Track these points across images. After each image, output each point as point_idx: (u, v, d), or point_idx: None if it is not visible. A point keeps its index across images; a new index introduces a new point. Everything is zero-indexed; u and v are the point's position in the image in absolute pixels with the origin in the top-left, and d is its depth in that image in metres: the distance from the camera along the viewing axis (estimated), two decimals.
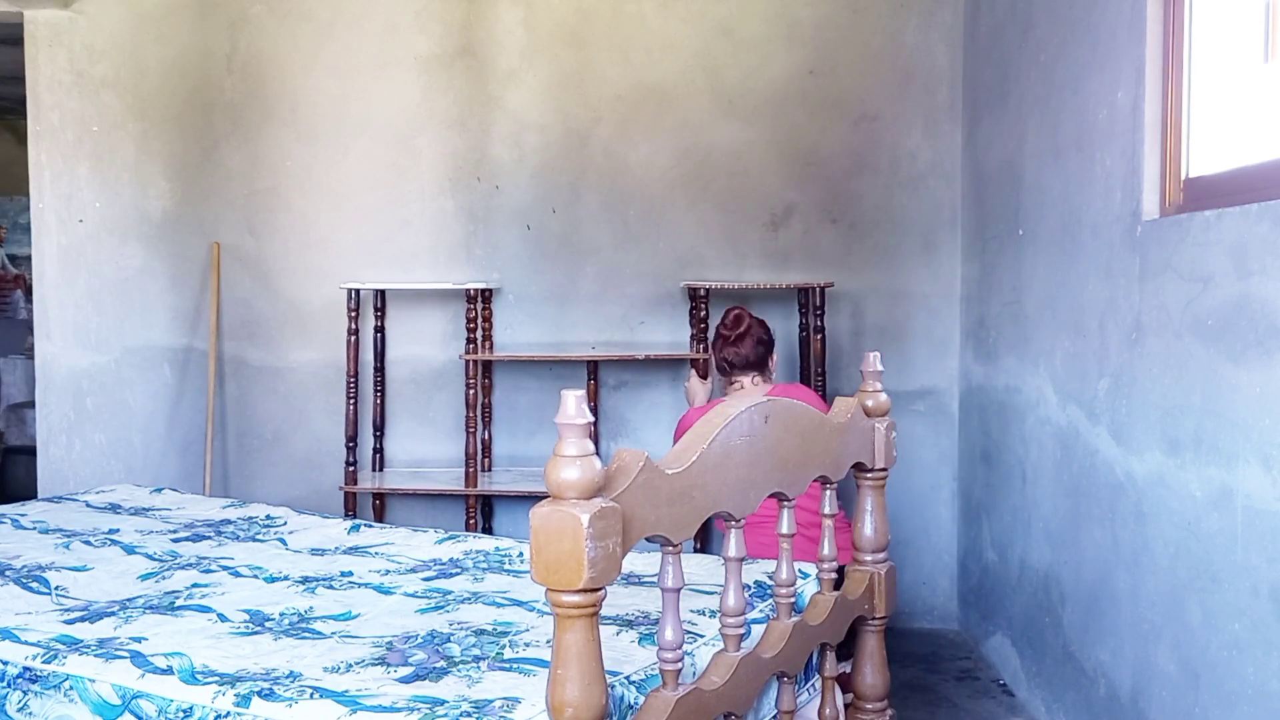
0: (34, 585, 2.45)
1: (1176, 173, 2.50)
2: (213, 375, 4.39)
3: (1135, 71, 2.60)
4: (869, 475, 2.36)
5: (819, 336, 4.04)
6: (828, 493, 2.23)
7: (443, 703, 1.73)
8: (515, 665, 1.91)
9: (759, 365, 3.26)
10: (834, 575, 2.25)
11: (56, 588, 2.44)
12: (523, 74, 4.33)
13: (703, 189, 4.31)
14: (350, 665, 1.93)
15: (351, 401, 4.16)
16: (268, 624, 2.18)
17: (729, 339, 3.25)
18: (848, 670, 2.48)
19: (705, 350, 4.07)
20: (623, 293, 4.34)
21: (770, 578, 2.23)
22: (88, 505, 3.32)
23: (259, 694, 1.78)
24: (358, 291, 4.15)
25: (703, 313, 4.06)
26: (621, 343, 4.31)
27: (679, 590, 1.66)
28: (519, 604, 2.30)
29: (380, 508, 4.25)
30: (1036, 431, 3.32)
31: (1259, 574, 2.03)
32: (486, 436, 4.32)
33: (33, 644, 2.04)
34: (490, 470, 4.31)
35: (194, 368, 4.46)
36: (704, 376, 3.69)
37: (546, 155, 4.34)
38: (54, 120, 4.44)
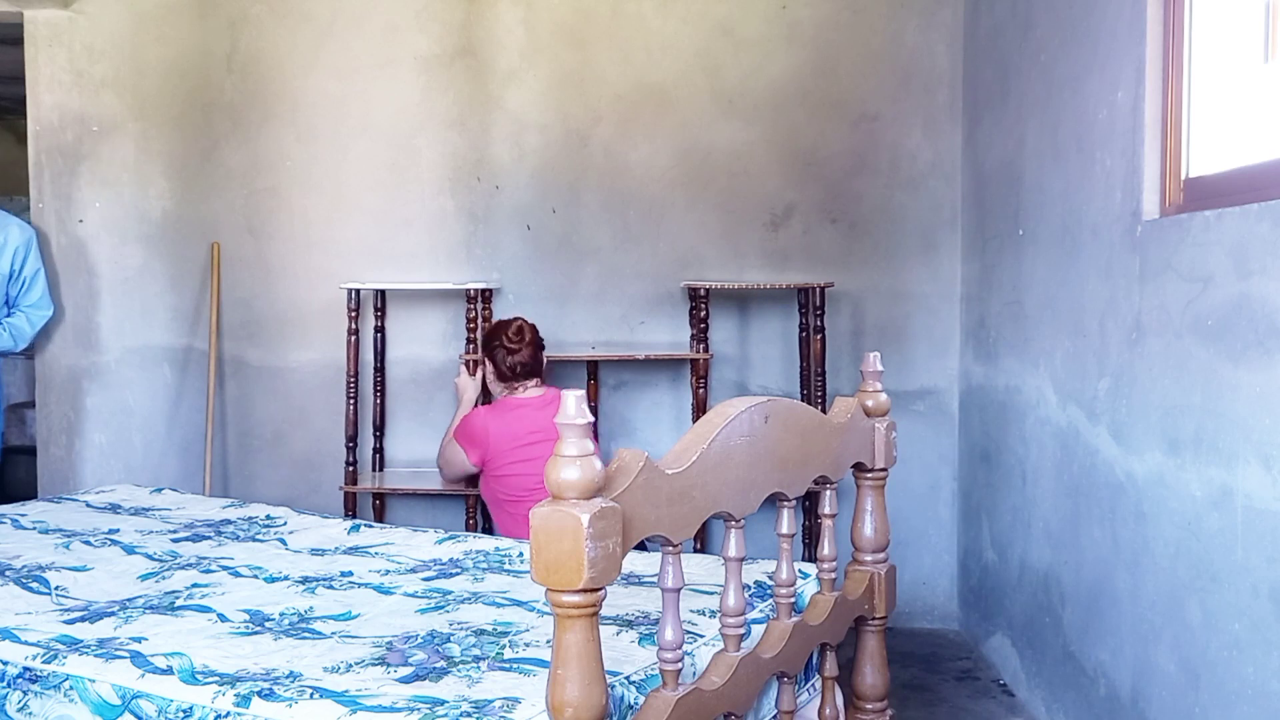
0: (34, 585, 2.45)
1: (1176, 173, 2.50)
2: (213, 375, 4.39)
3: (1135, 71, 2.60)
4: (869, 475, 2.36)
5: (819, 336, 4.04)
6: (828, 493, 2.23)
7: (443, 703, 1.73)
8: (515, 665, 1.91)
9: (540, 370, 3.67)
10: (832, 576, 2.25)
11: (56, 588, 2.44)
12: (523, 74, 4.33)
13: (703, 189, 4.31)
14: (350, 665, 1.93)
15: (351, 401, 4.15)
16: (268, 624, 2.18)
17: (514, 350, 3.61)
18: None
19: (706, 350, 4.07)
20: (623, 293, 4.34)
21: (770, 578, 2.23)
22: (88, 505, 3.31)
23: (259, 694, 1.78)
24: (358, 291, 4.15)
25: (703, 313, 4.06)
26: (621, 343, 4.31)
27: (679, 590, 1.66)
28: (519, 604, 2.30)
29: (380, 508, 4.25)
30: (1036, 431, 3.32)
31: (1259, 574, 2.03)
32: None
33: (33, 644, 2.04)
34: None
35: (194, 368, 4.46)
36: (473, 374, 3.94)
37: (546, 155, 4.34)
38: (54, 120, 4.44)
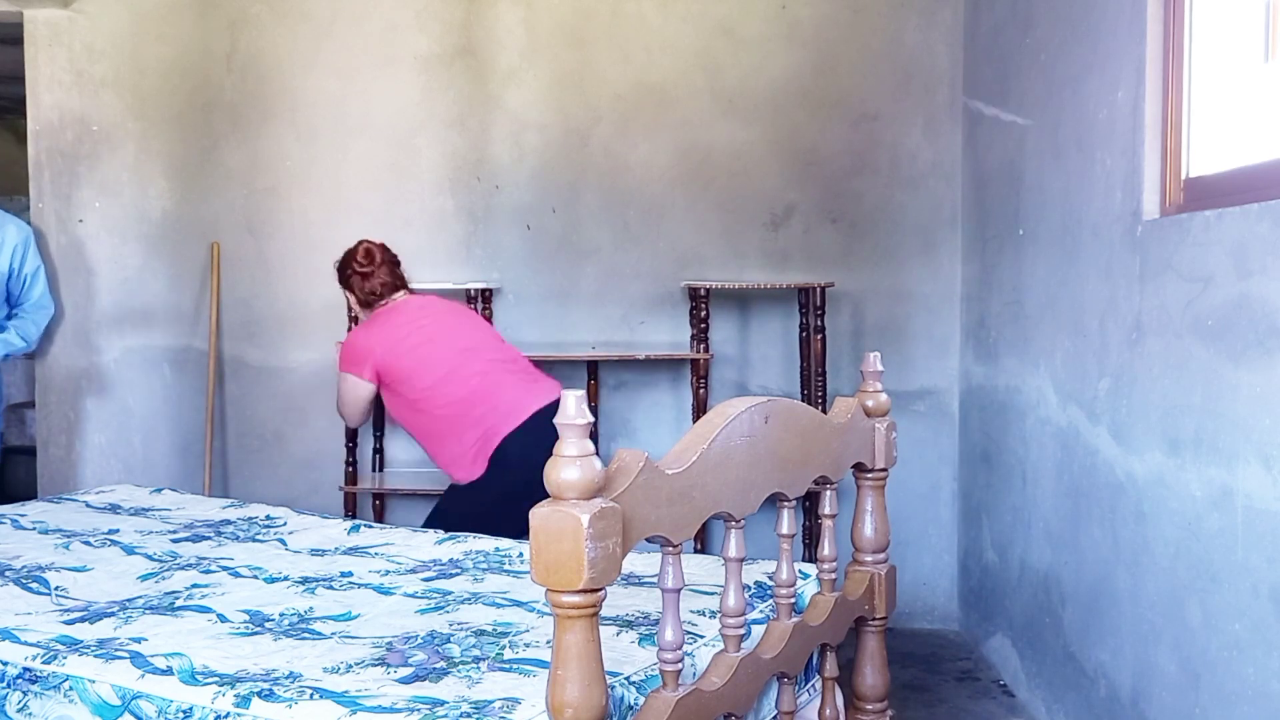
0: (34, 585, 2.45)
1: (1177, 172, 2.50)
2: (212, 375, 4.39)
3: (1135, 71, 2.60)
4: (869, 475, 2.36)
5: (819, 336, 4.03)
6: (828, 493, 2.23)
7: (443, 703, 1.73)
8: (515, 666, 1.91)
9: (402, 284, 3.62)
10: (832, 577, 2.24)
11: (56, 588, 2.44)
12: (523, 74, 4.33)
13: (703, 189, 4.31)
14: (350, 666, 1.93)
15: None
16: (268, 624, 2.18)
17: (367, 273, 3.55)
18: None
19: (706, 350, 4.07)
20: (623, 293, 4.34)
21: (770, 578, 2.22)
22: (87, 505, 3.31)
23: (259, 694, 1.77)
24: None
25: (703, 313, 4.06)
26: (621, 343, 4.31)
27: (679, 591, 1.66)
28: (519, 604, 2.30)
29: (380, 508, 4.25)
30: (1036, 431, 3.32)
31: (1259, 574, 2.03)
32: None
33: (32, 644, 2.04)
34: None
35: (194, 368, 4.46)
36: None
37: (546, 155, 4.34)
38: (54, 120, 4.44)
